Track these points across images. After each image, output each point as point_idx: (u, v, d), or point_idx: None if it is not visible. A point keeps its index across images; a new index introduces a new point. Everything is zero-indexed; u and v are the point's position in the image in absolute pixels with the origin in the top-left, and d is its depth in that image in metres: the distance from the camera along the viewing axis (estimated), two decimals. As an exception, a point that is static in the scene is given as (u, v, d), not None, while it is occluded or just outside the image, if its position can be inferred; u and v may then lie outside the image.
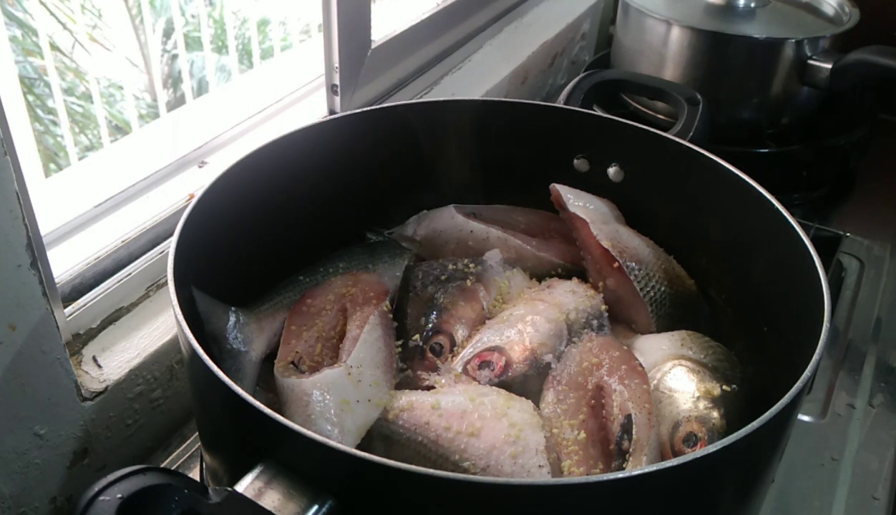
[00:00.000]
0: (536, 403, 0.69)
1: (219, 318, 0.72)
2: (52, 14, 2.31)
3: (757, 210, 0.75)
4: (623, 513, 0.53)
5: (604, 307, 0.81)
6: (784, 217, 0.72)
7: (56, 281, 0.70)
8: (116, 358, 0.77)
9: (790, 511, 0.82)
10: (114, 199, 0.87)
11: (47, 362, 0.68)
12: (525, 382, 0.72)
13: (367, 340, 0.72)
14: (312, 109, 1.09)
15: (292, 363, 0.71)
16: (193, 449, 0.83)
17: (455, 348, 0.76)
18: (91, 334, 0.79)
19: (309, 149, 0.81)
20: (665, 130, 0.88)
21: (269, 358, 0.74)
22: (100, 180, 0.89)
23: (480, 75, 1.29)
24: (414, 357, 0.76)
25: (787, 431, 0.62)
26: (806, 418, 0.91)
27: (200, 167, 0.96)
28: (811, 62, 1.21)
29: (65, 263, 0.79)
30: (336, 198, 0.85)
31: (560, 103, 0.95)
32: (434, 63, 1.28)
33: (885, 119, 1.43)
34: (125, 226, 0.84)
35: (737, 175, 0.78)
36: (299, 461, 0.51)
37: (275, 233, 0.80)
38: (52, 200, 0.85)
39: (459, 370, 0.73)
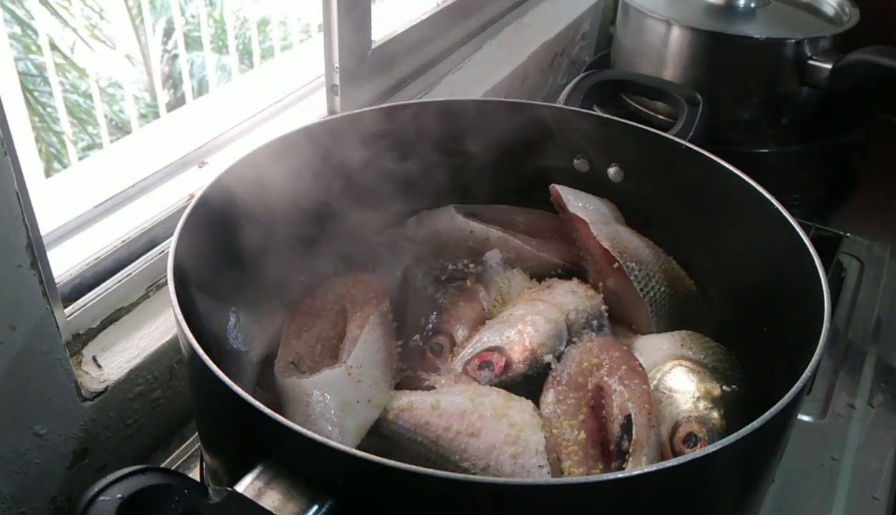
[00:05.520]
0: (536, 403, 0.69)
1: (219, 318, 0.72)
2: (54, 13, 2.32)
3: (757, 210, 0.75)
4: (623, 513, 0.53)
5: (604, 307, 0.81)
6: (784, 217, 0.72)
7: (56, 281, 0.70)
8: (116, 358, 0.77)
9: (790, 511, 0.82)
10: (114, 199, 0.87)
11: (47, 362, 0.68)
12: (525, 382, 0.72)
13: (367, 340, 0.72)
14: (312, 109, 1.09)
15: (292, 363, 0.71)
16: (193, 449, 0.83)
17: (455, 348, 0.76)
18: (91, 334, 0.79)
19: (309, 149, 0.81)
20: (665, 130, 0.88)
21: (269, 358, 0.74)
22: (100, 180, 0.89)
23: (480, 75, 1.29)
24: (414, 357, 0.76)
25: (787, 431, 0.62)
26: (806, 418, 0.91)
27: (200, 167, 0.96)
28: (811, 62, 1.21)
29: (65, 263, 0.79)
30: (336, 198, 0.85)
31: (560, 103, 0.95)
32: (434, 63, 1.28)
33: (885, 119, 1.43)
34: (125, 226, 0.84)
35: (737, 175, 0.78)
36: (299, 461, 0.51)
37: (275, 233, 0.80)
38: (52, 200, 0.85)
39: (459, 370, 0.73)
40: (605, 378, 0.70)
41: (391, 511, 0.52)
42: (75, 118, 2.59)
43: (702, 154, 0.82)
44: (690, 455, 0.51)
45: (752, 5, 1.31)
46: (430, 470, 0.49)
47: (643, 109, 1.31)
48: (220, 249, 0.74)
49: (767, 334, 0.76)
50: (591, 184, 0.90)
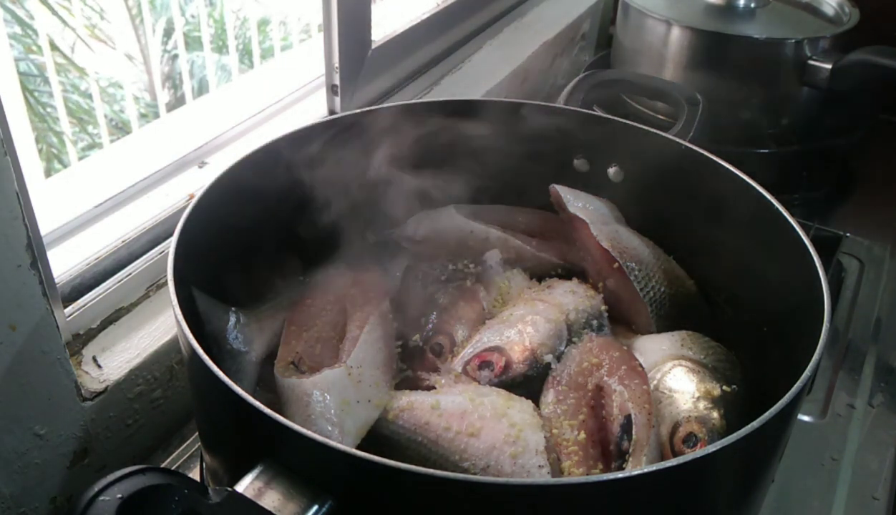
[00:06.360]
0: (536, 403, 0.69)
1: (219, 318, 0.72)
2: (54, 13, 2.32)
3: (757, 210, 0.75)
4: (623, 513, 0.53)
5: (604, 307, 0.81)
6: (784, 217, 0.72)
7: (56, 281, 0.70)
8: (116, 358, 0.77)
9: (790, 511, 0.82)
10: (114, 199, 0.87)
11: (47, 362, 0.68)
12: (525, 382, 0.72)
13: (367, 340, 0.72)
14: (312, 109, 1.09)
15: (292, 363, 0.71)
16: (193, 449, 0.83)
17: (455, 348, 0.76)
18: (91, 334, 0.79)
19: (309, 149, 0.81)
20: (665, 130, 0.88)
21: (269, 358, 0.74)
22: (100, 180, 0.89)
23: (480, 75, 1.29)
24: (414, 357, 0.76)
25: (787, 431, 0.62)
26: (806, 418, 0.91)
27: (200, 167, 0.96)
28: (811, 62, 1.21)
29: (65, 263, 0.79)
30: (336, 198, 0.85)
31: (560, 103, 0.95)
32: (434, 63, 1.28)
33: (885, 119, 1.43)
34: (125, 226, 0.84)
35: (737, 175, 0.78)
36: (299, 461, 0.51)
37: (275, 233, 0.80)
38: (52, 200, 0.85)
39: (459, 370, 0.73)
40: (605, 378, 0.70)
41: (391, 511, 0.52)
42: (75, 118, 2.59)
43: (702, 154, 0.82)
44: (690, 455, 0.51)
45: (752, 5, 1.31)
46: (430, 470, 0.49)
47: (643, 109, 1.32)
48: (220, 249, 0.74)
49: (767, 334, 0.76)
50: (591, 184, 0.90)
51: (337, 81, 1.04)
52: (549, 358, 0.74)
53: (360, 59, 1.07)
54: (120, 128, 2.60)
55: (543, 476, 0.61)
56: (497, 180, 0.92)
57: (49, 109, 2.50)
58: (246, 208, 0.76)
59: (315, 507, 0.50)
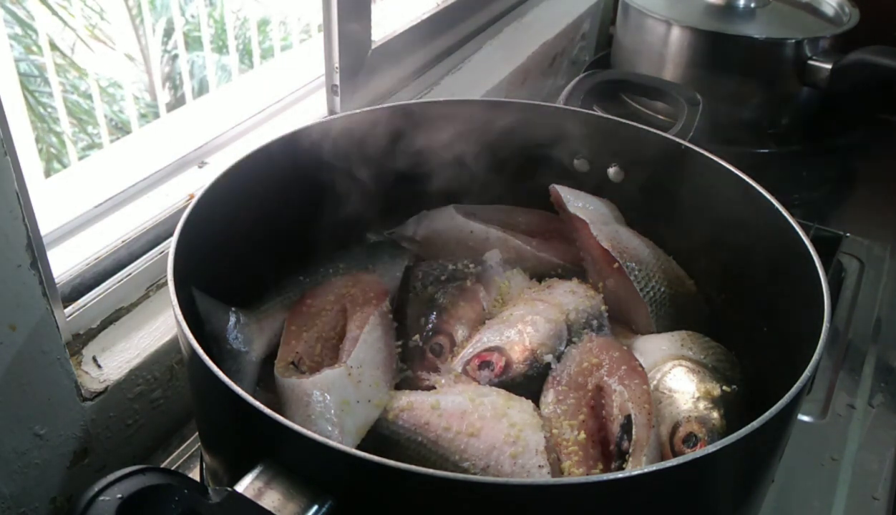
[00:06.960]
0: (536, 403, 0.69)
1: (219, 318, 0.72)
2: (54, 13, 2.32)
3: (757, 210, 0.75)
4: (623, 513, 0.53)
5: (604, 307, 0.81)
6: (784, 217, 0.72)
7: (56, 281, 0.70)
8: (116, 358, 0.77)
9: (790, 511, 0.82)
10: (114, 199, 0.87)
11: (47, 362, 0.68)
12: (525, 382, 0.72)
13: (367, 340, 0.72)
14: (312, 109, 1.09)
15: (292, 363, 0.71)
16: (193, 449, 0.83)
17: (455, 348, 0.76)
18: (91, 334, 0.79)
19: (309, 149, 0.81)
20: (665, 130, 0.88)
21: (269, 358, 0.74)
22: (100, 180, 0.89)
23: (480, 75, 1.29)
24: (414, 357, 0.76)
25: (787, 431, 0.62)
26: (806, 418, 0.91)
27: (200, 167, 0.96)
28: (811, 62, 1.21)
29: (65, 263, 0.79)
30: (336, 198, 0.85)
31: (560, 103, 0.95)
32: (434, 63, 1.28)
33: (885, 119, 1.43)
34: (125, 226, 0.84)
35: (737, 175, 0.78)
36: (299, 461, 0.51)
37: (275, 233, 0.80)
38: (52, 200, 0.85)
39: (459, 370, 0.73)
40: (605, 378, 0.70)
41: (391, 511, 0.52)
42: (75, 118, 2.59)
43: (702, 154, 0.82)
44: (690, 455, 0.51)
45: (752, 5, 1.31)
46: (430, 470, 0.49)
47: (643, 109, 1.32)
48: (220, 249, 0.74)
49: (767, 334, 0.76)
50: (591, 184, 0.90)
51: (337, 81, 1.04)
52: (549, 358, 0.74)
53: (360, 59, 1.07)
54: (120, 128, 2.60)
55: (543, 476, 0.61)
56: (497, 180, 0.92)
57: (49, 109, 2.50)
58: (246, 208, 0.77)
59: (315, 507, 0.50)
